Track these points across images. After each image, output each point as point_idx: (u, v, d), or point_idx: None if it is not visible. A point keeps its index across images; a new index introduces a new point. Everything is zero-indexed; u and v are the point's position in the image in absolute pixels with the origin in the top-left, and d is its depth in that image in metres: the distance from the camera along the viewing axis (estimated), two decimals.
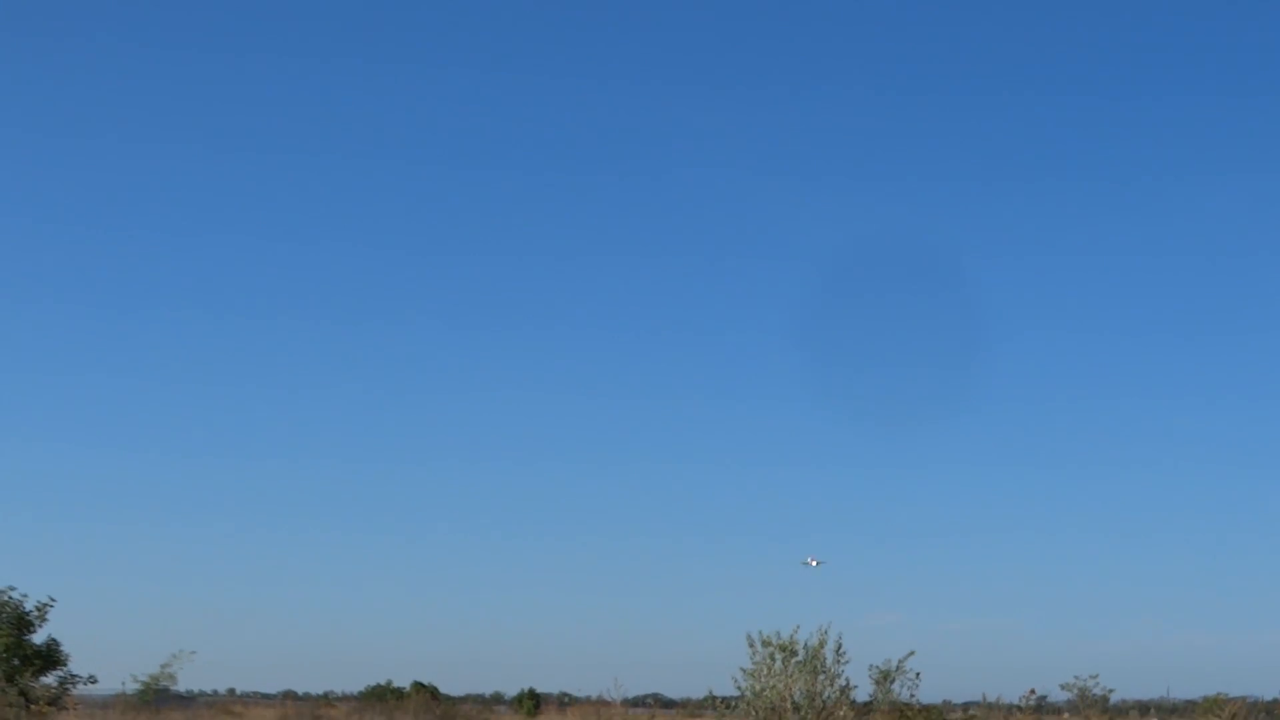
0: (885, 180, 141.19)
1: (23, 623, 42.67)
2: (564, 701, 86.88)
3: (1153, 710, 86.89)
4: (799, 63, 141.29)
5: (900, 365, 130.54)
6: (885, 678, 30.77)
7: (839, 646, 29.70)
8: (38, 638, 43.07)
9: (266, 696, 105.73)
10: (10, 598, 42.88)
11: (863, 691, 30.61)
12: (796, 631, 29.88)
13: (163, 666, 65.06)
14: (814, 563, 55.35)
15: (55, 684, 42.76)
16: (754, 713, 29.34)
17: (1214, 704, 61.51)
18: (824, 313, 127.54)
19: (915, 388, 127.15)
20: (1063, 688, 65.42)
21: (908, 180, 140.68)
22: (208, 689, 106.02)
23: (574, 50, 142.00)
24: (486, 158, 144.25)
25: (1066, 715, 61.11)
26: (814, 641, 29.73)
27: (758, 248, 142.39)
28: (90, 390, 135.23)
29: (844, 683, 29.71)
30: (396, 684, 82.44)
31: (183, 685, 71.62)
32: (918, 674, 30.61)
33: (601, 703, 50.77)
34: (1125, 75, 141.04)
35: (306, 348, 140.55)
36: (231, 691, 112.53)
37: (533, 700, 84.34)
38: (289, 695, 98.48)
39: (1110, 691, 66.06)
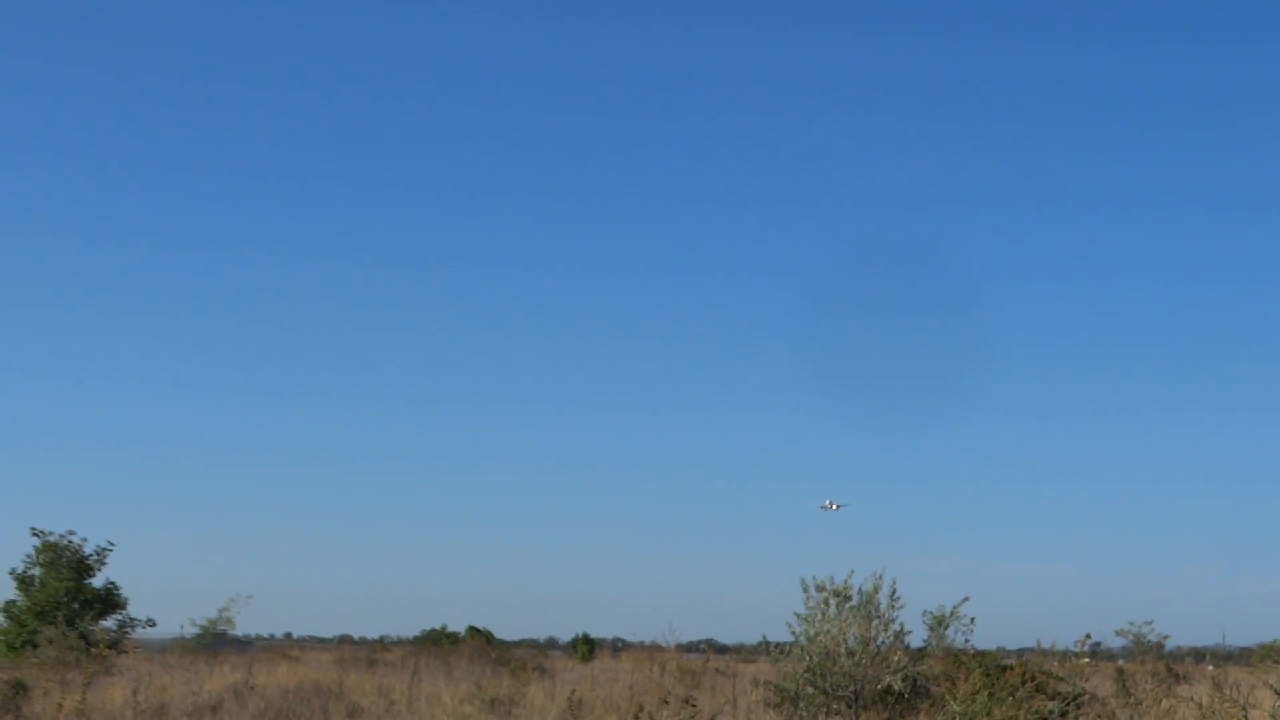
0: (943, 123, 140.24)
1: (82, 567, 43.13)
2: (618, 647, 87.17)
3: (1208, 657, 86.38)
4: (853, 6, 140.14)
5: (951, 311, 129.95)
6: (939, 623, 30.60)
7: (893, 592, 29.54)
8: (97, 582, 43.55)
9: (323, 641, 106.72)
10: (70, 542, 43.34)
11: (917, 637, 30.44)
12: (850, 576, 29.76)
13: (220, 611, 65.87)
14: (833, 506, 54.72)
15: (114, 628, 43.23)
16: (808, 658, 29.25)
17: (1270, 651, 60.99)
18: (876, 259, 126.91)
19: (969, 333, 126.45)
20: (1118, 634, 65.26)
21: (972, 122, 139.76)
22: (265, 633, 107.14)
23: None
24: (529, 101, 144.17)
25: (1121, 662, 60.92)
26: (868, 587, 29.60)
27: (809, 194, 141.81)
28: (148, 332, 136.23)
29: (898, 628, 29.57)
30: (451, 629, 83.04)
31: (240, 629, 72.46)
32: (972, 619, 30.38)
33: (655, 648, 50.81)
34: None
35: (366, 290, 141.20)
36: (288, 636, 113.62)
37: (587, 645, 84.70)
38: (345, 640, 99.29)
39: (1165, 638, 65.85)
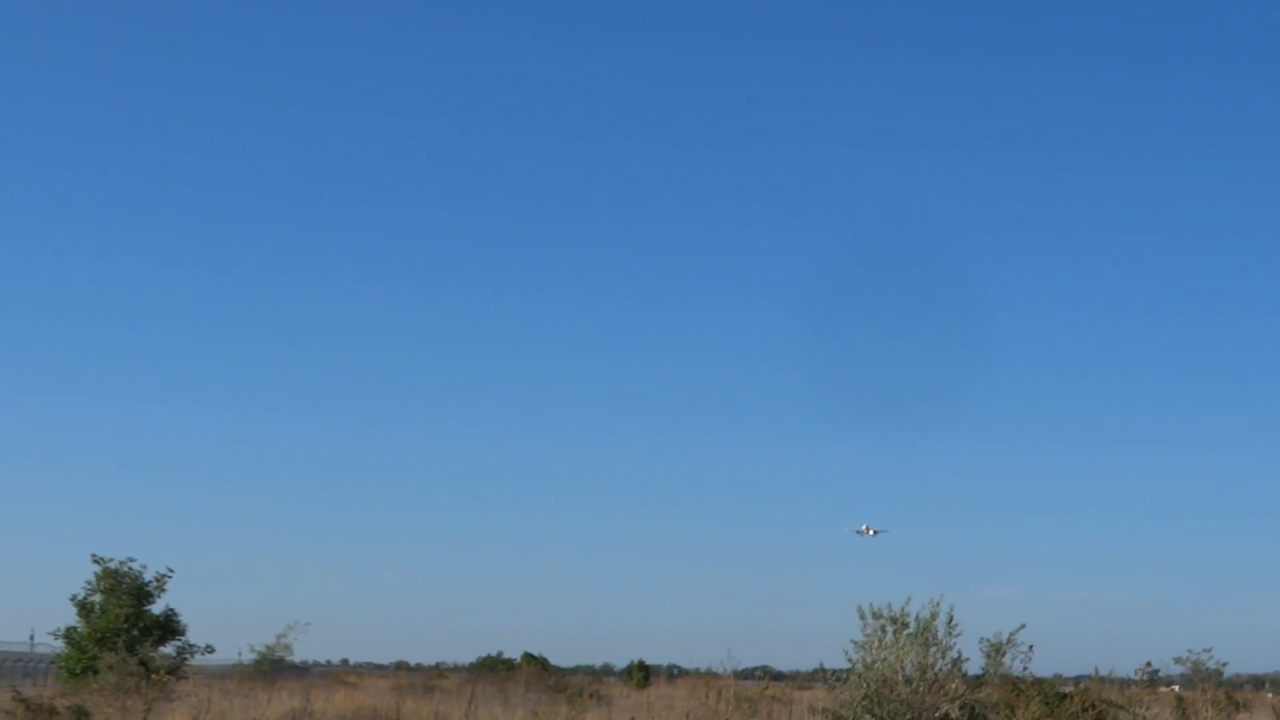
0: (997, 149, 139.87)
1: (142, 593, 43.42)
2: (673, 673, 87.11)
3: (1268, 685, 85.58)
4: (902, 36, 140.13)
5: (998, 339, 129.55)
6: (996, 650, 30.44)
7: (950, 619, 29.44)
8: (156, 608, 43.83)
9: (379, 667, 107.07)
10: (130, 569, 43.65)
11: (974, 665, 30.30)
12: (908, 604, 29.68)
13: (278, 637, 66.25)
14: (870, 531, 54.49)
15: (174, 654, 43.47)
16: (865, 685, 29.18)
17: None
18: (901, 281, 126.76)
19: (992, 357, 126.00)
20: (1176, 661, 64.64)
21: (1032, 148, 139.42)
22: (322, 659, 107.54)
23: (675, 21, 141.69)
24: (586, 126, 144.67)
25: (1179, 688, 60.31)
26: (925, 614, 29.51)
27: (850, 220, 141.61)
28: (207, 357, 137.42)
29: (955, 655, 29.47)
30: (507, 655, 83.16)
31: (298, 656, 72.80)
32: (1030, 647, 30.24)
33: (711, 675, 50.71)
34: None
35: (421, 318, 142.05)
36: (345, 662, 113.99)
37: (642, 672, 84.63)
38: (402, 666, 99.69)
39: (1224, 665, 65.15)
